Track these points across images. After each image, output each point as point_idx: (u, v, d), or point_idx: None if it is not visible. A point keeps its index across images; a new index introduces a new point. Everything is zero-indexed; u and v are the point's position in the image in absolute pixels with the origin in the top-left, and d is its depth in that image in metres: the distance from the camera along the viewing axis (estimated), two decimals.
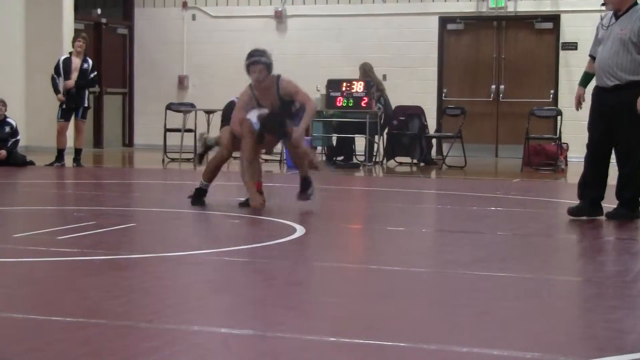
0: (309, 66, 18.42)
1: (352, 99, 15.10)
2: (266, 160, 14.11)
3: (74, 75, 14.20)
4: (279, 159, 15.26)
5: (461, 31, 18.37)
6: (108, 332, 4.15)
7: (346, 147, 15.83)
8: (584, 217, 8.26)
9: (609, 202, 8.35)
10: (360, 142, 15.76)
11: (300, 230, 7.43)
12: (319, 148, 15.81)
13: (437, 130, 16.83)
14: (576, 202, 8.43)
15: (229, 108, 9.29)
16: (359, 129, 15.22)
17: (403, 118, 15.99)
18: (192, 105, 16.93)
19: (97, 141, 19.37)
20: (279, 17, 19.02)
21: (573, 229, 7.98)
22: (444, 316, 4.65)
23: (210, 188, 9.01)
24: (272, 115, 8.73)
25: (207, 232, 7.93)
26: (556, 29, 17.78)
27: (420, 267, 6.09)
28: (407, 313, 4.72)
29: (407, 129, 15.92)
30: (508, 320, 4.58)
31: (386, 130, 15.92)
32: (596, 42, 8.40)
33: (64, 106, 14.24)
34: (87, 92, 14.55)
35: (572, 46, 17.48)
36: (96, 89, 18.02)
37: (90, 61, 14.50)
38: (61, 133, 14.47)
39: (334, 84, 15.30)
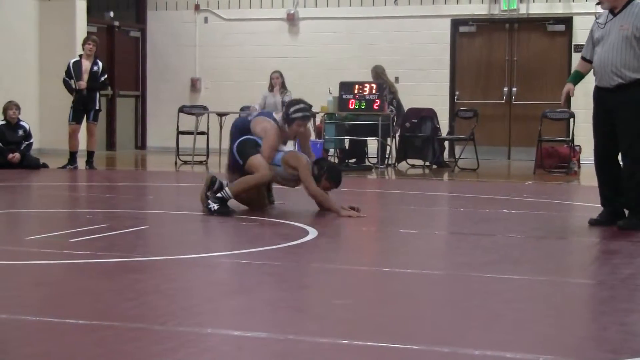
0: (321, 68, 18.44)
1: (365, 101, 15.10)
2: None
3: (85, 77, 14.23)
4: None
5: (473, 34, 18.35)
6: (121, 334, 4.15)
7: (358, 149, 15.84)
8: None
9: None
10: (372, 144, 15.75)
11: (312, 233, 7.43)
12: (331, 150, 15.81)
13: (449, 133, 16.81)
14: (589, 204, 8.38)
15: (242, 124, 9.16)
16: (371, 132, 15.22)
17: (415, 120, 15.98)
18: (205, 108, 16.94)
19: (110, 144, 19.42)
20: (291, 19, 19.03)
21: (586, 231, 7.95)
22: (456, 319, 4.65)
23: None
24: None
25: (219, 234, 7.94)
26: (568, 31, 17.75)
27: (433, 270, 6.08)
28: (420, 315, 4.72)
29: (420, 131, 15.91)
30: (521, 322, 4.57)
31: (398, 133, 15.91)
32: (590, 42, 8.13)
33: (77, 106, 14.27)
34: (98, 95, 14.57)
35: None
36: (109, 91, 18.06)
37: (100, 63, 14.52)
38: (73, 136, 14.51)
39: (346, 87, 15.29)
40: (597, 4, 8.24)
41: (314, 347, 4.02)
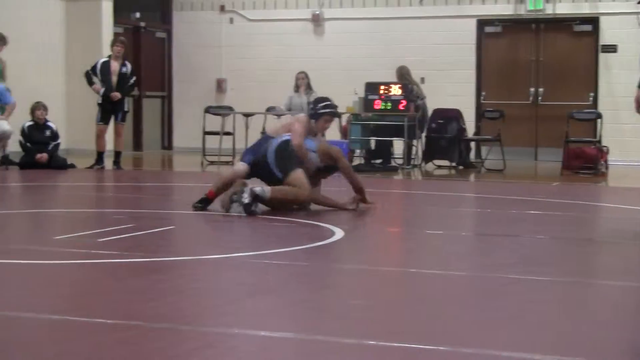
0: (346, 69, 18.42)
1: (390, 102, 15.08)
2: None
3: (113, 78, 14.31)
4: None
5: (499, 34, 18.29)
6: (146, 334, 4.17)
7: (384, 150, 15.82)
8: None
9: None
10: (398, 145, 15.73)
11: (338, 233, 7.43)
12: (357, 151, 15.80)
13: (475, 134, 16.76)
14: (617, 206, 8.30)
15: (264, 140, 9.21)
16: (397, 132, 15.19)
17: (441, 121, 15.95)
18: (230, 108, 16.98)
19: (137, 144, 19.49)
20: (316, 20, 19.03)
21: (614, 232, 7.91)
22: (481, 320, 4.63)
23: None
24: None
25: (245, 234, 7.95)
26: (595, 32, 17.65)
27: (458, 271, 6.06)
28: (445, 316, 4.71)
29: (446, 132, 15.88)
30: (546, 324, 4.55)
31: (424, 133, 15.88)
32: None
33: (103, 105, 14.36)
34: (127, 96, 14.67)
35: (612, 49, 17.35)
36: (135, 92, 18.13)
37: (129, 65, 14.59)
38: (100, 136, 14.59)
39: (371, 87, 15.28)
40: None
41: (340, 348, 4.01)
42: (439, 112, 16.05)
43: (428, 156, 15.98)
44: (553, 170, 15.17)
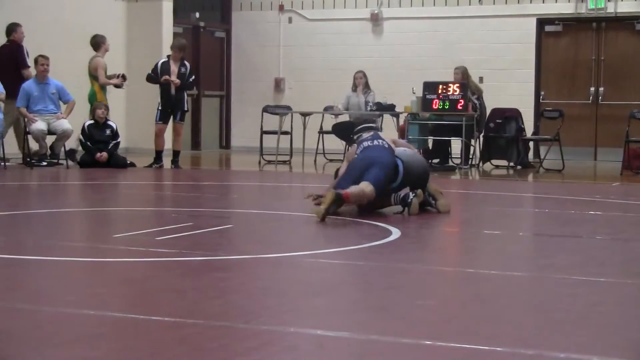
0: (405, 68, 18.40)
1: (448, 101, 15.02)
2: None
3: (173, 78, 14.43)
4: None
5: (559, 33, 18.13)
6: (205, 332, 4.19)
7: (442, 149, 15.76)
8: None
9: None
10: (456, 144, 15.67)
11: (395, 233, 7.42)
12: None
13: (534, 133, 16.63)
14: None
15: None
16: (455, 132, 15.13)
17: (500, 120, 15.85)
18: (289, 108, 17.02)
19: (195, 143, 19.63)
20: (375, 19, 19.02)
21: None
22: (541, 321, 4.60)
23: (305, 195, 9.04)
24: None
25: (303, 234, 7.96)
26: None
27: (516, 271, 6.02)
28: (504, 317, 4.68)
29: (504, 131, 15.78)
30: (607, 326, 4.50)
31: (482, 133, 15.80)
32: None
33: (161, 108, 14.51)
34: (185, 96, 14.77)
35: None
36: (194, 91, 18.27)
37: (188, 65, 14.71)
38: (159, 135, 14.72)
39: (430, 87, 15.23)
40: None
41: (396, 348, 4.01)
42: (497, 112, 15.95)
43: (486, 156, 15.90)
44: (613, 171, 15.00)
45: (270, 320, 4.46)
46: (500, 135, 15.75)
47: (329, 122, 16.81)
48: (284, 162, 16.03)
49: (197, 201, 10.33)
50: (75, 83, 15.36)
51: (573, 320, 4.59)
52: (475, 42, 18.22)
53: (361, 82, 16.09)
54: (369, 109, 15.66)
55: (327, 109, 16.54)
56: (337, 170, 9.22)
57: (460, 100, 14.96)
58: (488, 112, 15.89)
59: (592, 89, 17.86)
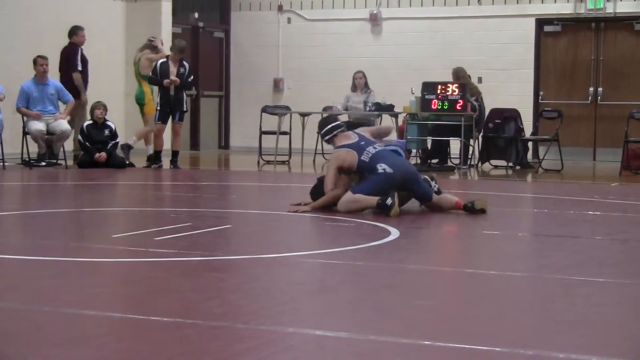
0: (404, 69, 18.40)
1: (447, 101, 15.02)
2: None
3: (172, 78, 14.42)
4: None
5: (559, 33, 18.13)
6: (204, 332, 4.19)
7: (441, 150, 15.76)
8: None
9: None
10: (455, 144, 15.67)
11: (394, 233, 7.42)
12: (414, 151, 15.76)
13: (533, 133, 16.63)
14: None
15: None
16: (453, 132, 15.13)
17: (499, 121, 15.85)
18: (287, 108, 17.02)
19: (194, 143, 19.64)
20: (374, 19, 19.01)
21: None
22: (540, 321, 4.60)
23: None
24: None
25: (301, 234, 7.97)
26: None
27: (516, 272, 6.02)
28: (503, 317, 4.68)
29: (503, 131, 15.78)
30: (606, 326, 4.51)
31: (481, 133, 15.80)
32: None
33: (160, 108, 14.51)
34: (184, 96, 14.77)
35: None
36: (193, 91, 18.26)
37: (186, 65, 14.71)
38: (158, 135, 14.73)
39: (429, 87, 15.23)
40: None
41: (395, 348, 4.01)
42: (496, 112, 15.95)
43: (485, 156, 15.89)
44: (612, 171, 15.01)
45: (269, 321, 4.46)
46: (499, 135, 15.75)
47: None
48: (283, 162, 16.03)
49: (196, 201, 10.33)
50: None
51: (572, 321, 4.59)
52: (474, 42, 18.22)
53: (361, 82, 16.10)
54: (367, 109, 15.66)
55: (326, 109, 16.52)
56: (315, 186, 9.16)
57: (459, 101, 14.95)
58: (487, 112, 15.89)
59: (591, 89, 17.86)
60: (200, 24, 19.75)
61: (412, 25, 18.72)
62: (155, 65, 14.60)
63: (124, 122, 17.44)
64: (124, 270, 5.90)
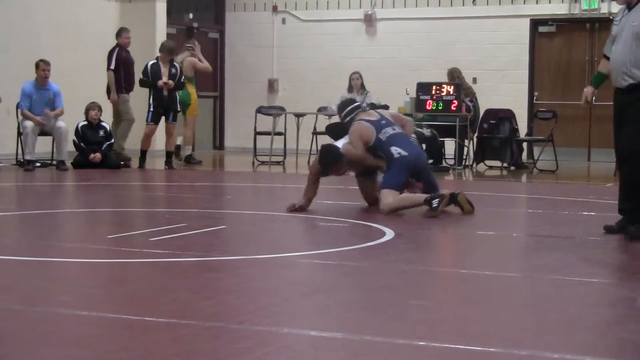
0: (398, 69, 18.40)
1: (442, 102, 15.03)
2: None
3: (164, 79, 14.42)
4: None
5: (553, 33, 18.16)
6: (199, 333, 4.20)
7: (436, 150, 15.76)
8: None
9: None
10: (449, 145, 15.68)
11: (389, 234, 7.42)
12: None
13: (528, 134, 16.65)
14: None
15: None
16: (448, 133, 15.14)
17: (493, 121, 15.87)
18: (282, 109, 17.02)
19: None
20: (369, 20, 19.02)
21: None
22: (534, 321, 4.61)
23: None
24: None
25: (297, 234, 7.97)
26: None
27: (510, 272, 6.03)
28: (498, 317, 4.69)
29: (498, 132, 15.79)
30: (601, 326, 4.52)
31: (476, 134, 15.81)
32: (610, 40, 7.62)
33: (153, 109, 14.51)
34: (177, 96, 14.77)
35: None
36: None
37: (177, 65, 14.73)
38: (149, 136, 14.75)
39: (423, 87, 15.23)
40: None
41: (390, 348, 4.01)
42: (491, 113, 15.97)
43: (479, 157, 15.91)
44: (606, 171, 15.02)
45: (264, 321, 4.46)
46: (494, 135, 15.76)
47: (323, 122, 16.74)
48: (278, 162, 16.03)
49: (191, 202, 10.33)
50: (68, 84, 15.35)
51: (567, 321, 4.60)
52: (469, 42, 18.23)
53: (357, 83, 16.11)
54: None
55: (321, 109, 16.54)
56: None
57: (454, 101, 14.96)
58: (482, 112, 15.91)
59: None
60: (195, 25, 19.74)
61: (407, 25, 18.73)
62: (146, 67, 14.59)
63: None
64: (118, 271, 5.90)
